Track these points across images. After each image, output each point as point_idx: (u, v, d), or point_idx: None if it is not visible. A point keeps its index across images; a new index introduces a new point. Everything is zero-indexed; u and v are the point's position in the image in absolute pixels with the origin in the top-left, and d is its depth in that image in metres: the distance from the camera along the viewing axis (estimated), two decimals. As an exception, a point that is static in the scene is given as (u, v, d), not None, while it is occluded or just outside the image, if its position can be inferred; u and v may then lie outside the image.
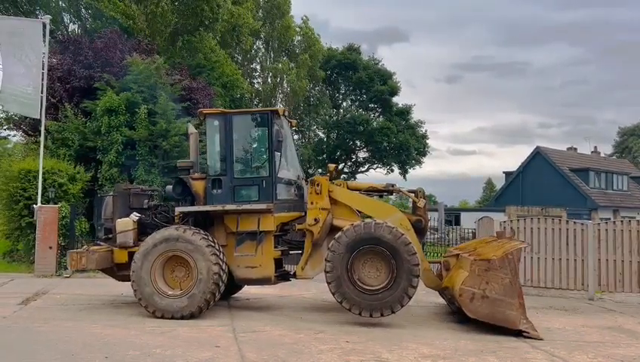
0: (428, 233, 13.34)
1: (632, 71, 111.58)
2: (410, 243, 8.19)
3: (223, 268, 8.59)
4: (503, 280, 7.73)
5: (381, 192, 9.81)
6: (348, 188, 9.40)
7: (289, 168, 9.66)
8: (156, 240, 8.60)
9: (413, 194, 9.57)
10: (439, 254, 14.45)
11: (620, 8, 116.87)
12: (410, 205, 9.88)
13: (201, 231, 8.68)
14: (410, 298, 8.17)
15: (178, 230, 8.63)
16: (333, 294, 8.26)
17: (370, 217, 8.90)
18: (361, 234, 8.23)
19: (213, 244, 8.58)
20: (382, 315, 8.17)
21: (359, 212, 9.21)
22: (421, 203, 9.40)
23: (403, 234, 8.22)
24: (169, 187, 9.45)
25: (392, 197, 10.53)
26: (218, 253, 8.56)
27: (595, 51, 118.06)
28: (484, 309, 7.78)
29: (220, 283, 8.54)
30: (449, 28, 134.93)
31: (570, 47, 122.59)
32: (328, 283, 8.26)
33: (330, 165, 9.76)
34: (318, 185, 9.03)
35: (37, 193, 14.57)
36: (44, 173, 14.80)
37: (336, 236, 8.35)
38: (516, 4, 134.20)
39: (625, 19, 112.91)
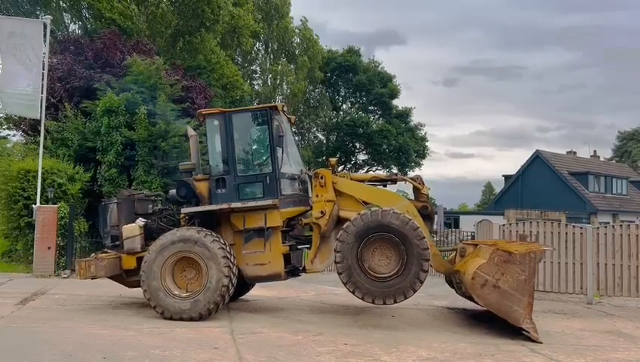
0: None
1: (630, 76, 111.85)
2: (419, 227, 8.17)
3: (233, 281, 8.56)
4: (519, 276, 7.70)
5: (384, 182, 9.81)
6: (351, 179, 9.41)
7: (291, 163, 9.63)
8: (175, 237, 8.57)
9: (415, 182, 9.57)
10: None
11: (619, 13, 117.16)
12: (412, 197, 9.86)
13: (221, 240, 8.63)
14: (421, 282, 8.15)
15: (199, 233, 8.56)
16: (345, 284, 8.24)
17: (376, 206, 8.88)
18: (369, 222, 8.20)
19: (228, 256, 8.51)
20: (395, 302, 8.16)
21: (365, 202, 9.20)
22: (425, 189, 9.40)
23: (411, 220, 8.20)
24: (172, 190, 9.44)
25: (393, 189, 10.51)
26: (231, 266, 8.51)
27: (594, 56, 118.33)
28: (492, 298, 7.77)
29: (226, 296, 8.52)
30: (446, 31, 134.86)
31: (569, 52, 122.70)
32: (339, 274, 8.24)
33: (331, 159, 9.76)
34: (321, 177, 9.01)
35: (36, 193, 14.57)
36: (43, 173, 14.81)
37: (345, 226, 8.32)
38: (514, 8, 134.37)
39: (622, 24, 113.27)
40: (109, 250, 9.72)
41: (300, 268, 9.52)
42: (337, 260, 8.23)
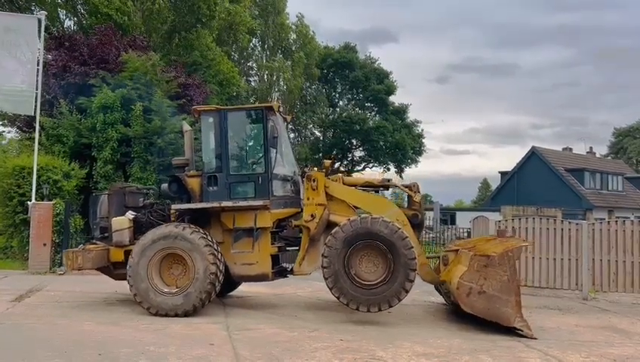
0: (423, 232, 13.33)
1: (623, 74, 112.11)
2: (407, 237, 8.18)
3: (220, 268, 8.56)
4: (502, 277, 7.74)
5: (377, 187, 9.81)
6: (344, 183, 9.38)
7: (285, 164, 9.64)
8: (155, 236, 8.56)
9: (408, 189, 9.57)
10: (434, 252, 14.47)
11: (612, 12, 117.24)
12: (406, 201, 9.87)
13: (200, 230, 8.63)
14: (407, 292, 8.17)
15: (177, 228, 8.59)
16: (331, 289, 8.25)
17: (366, 212, 8.88)
18: (358, 229, 8.22)
19: (211, 244, 8.54)
20: (379, 310, 8.16)
21: (356, 207, 9.20)
22: (417, 197, 9.39)
23: (399, 229, 8.21)
24: (164, 185, 9.41)
25: (387, 193, 10.54)
26: (216, 253, 8.52)
27: (587, 54, 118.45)
28: (480, 304, 7.79)
29: (217, 284, 8.52)
30: (439, 29, 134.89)
31: (562, 50, 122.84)
32: (325, 279, 8.25)
33: (325, 161, 9.74)
34: (314, 180, 9.01)
35: (31, 190, 14.50)
36: (38, 170, 14.74)
37: (333, 231, 8.34)
38: (507, 6, 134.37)
39: (616, 23, 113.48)
40: (97, 242, 9.68)
41: (288, 269, 9.52)
42: (324, 265, 8.24)
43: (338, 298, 8.24)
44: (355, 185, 9.54)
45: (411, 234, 8.64)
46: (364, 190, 9.53)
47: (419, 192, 9.49)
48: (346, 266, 8.18)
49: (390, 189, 10.39)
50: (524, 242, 8.96)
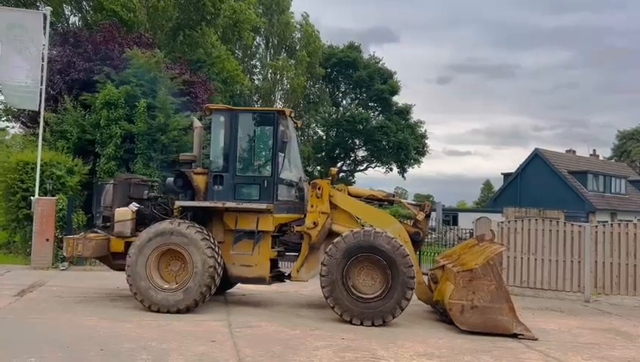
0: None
1: (623, 75, 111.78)
2: (408, 255, 8.18)
3: (219, 260, 8.58)
4: (489, 287, 7.77)
5: (381, 201, 9.81)
6: (349, 193, 9.37)
7: (292, 169, 9.64)
8: (150, 234, 8.57)
9: (414, 208, 9.56)
10: (436, 253, 14.45)
11: (612, 13, 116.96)
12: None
13: (196, 225, 8.65)
14: (402, 310, 8.18)
15: (172, 223, 8.60)
16: (326, 299, 8.27)
17: (369, 225, 8.89)
18: (360, 241, 8.23)
19: (207, 237, 8.56)
20: (373, 324, 8.12)
21: (358, 219, 9.21)
22: (420, 216, 9.36)
23: (401, 246, 8.22)
24: (170, 179, 9.41)
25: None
26: (213, 246, 8.54)
27: (587, 55, 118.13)
28: (476, 319, 7.79)
29: (216, 276, 8.54)
30: (440, 29, 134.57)
31: (563, 51, 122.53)
32: (322, 288, 8.27)
33: (332, 169, 9.74)
34: (319, 188, 9.02)
35: (35, 185, 14.53)
36: (42, 165, 14.76)
37: (335, 241, 8.35)
38: (508, 7, 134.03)
39: (616, 25, 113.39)
40: (99, 230, 9.69)
41: (286, 275, 9.53)
42: (323, 274, 8.26)
43: (333, 308, 8.24)
44: (359, 197, 9.53)
45: (411, 252, 8.64)
46: (368, 202, 9.53)
47: (429, 212, 9.45)
48: (344, 277, 8.19)
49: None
50: (502, 246, 8.99)
